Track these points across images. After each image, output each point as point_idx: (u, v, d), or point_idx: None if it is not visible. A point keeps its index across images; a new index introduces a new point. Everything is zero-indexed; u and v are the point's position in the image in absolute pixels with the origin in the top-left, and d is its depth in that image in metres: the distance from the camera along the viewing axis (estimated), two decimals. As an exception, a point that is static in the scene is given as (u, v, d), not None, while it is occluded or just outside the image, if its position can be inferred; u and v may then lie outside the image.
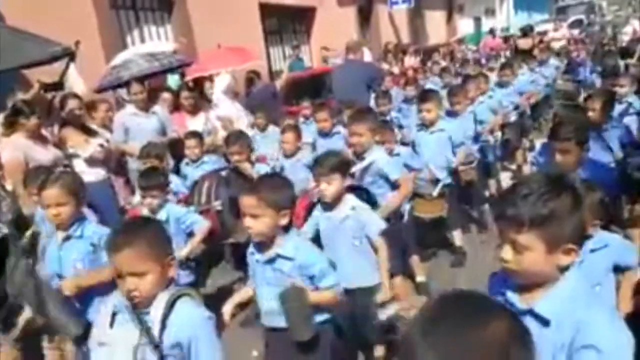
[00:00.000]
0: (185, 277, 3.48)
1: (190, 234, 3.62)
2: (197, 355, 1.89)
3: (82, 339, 2.68)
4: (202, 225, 3.62)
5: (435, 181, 4.52)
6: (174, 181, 4.52)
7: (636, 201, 2.99)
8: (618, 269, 2.42)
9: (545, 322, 1.46)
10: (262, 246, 2.44)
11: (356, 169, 3.66)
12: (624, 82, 4.71)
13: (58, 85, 5.57)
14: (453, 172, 4.77)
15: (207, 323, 1.94)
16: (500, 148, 6.28)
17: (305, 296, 2.36)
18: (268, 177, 2.67)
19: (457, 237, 4.93)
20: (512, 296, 1.54)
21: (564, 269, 1.47)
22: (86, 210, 3.34)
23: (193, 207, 3.99)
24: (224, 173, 4.38)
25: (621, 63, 7.87)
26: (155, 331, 1.84)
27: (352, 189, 3.17)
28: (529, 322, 1.46)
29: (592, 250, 2.30)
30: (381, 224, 3.10)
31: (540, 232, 1.42)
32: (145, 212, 3.54)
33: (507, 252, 1.47)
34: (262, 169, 4.33)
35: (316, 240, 3.06)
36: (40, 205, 3.14)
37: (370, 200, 3.25)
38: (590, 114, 3.88)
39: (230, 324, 4.09)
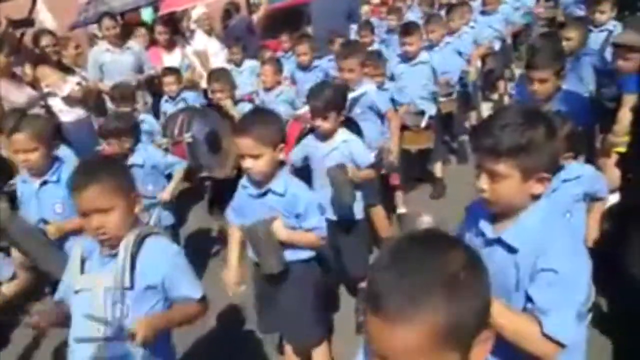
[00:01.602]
0: (166, 218, 3.51)
1: (169, 177, 3.62)
2: (173, 290, 1.91)
3: None
4: (180, 167, 3.63)
5: (421, 113, 4.54)
6: (148, 120, 4.49)
7: (608, 131, 3.05)
8: (588, 198, 2.51)
9: (512, 250, 1.54)
10: (259, 182, 2.45)
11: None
12: (604, 8, 4.62)
13: (27, 22, 5.38)
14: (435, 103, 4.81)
15: (178, 257, 1.96)
16: (482, 78, 6.27)
17: (270, 229, 2.39)
18: (258, 115, 2.60)
19: (437, 168, 5.01)
20: (484, 225, 1.62)
21: (535, 197, 1.54)
22: (66, 152, 3.33)
23: (165, 139, 3.96)
24: (199, 106, 4.33)
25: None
26: (126, 273, 1.83)
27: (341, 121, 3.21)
28: (497, 250, 1.57)
29: (564, 181, 2.37)
30: (370, 156, 3.17)
31: (516, 161, 1.48)
32: None
33: (484, 181, 1.54)
34: (246, 107, 4.27)
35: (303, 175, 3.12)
36: (10, 150, 3.09)
37: (358, 133, 3.29)
38: (565, 43, 3.86)
39: (211, 260, 4.22)
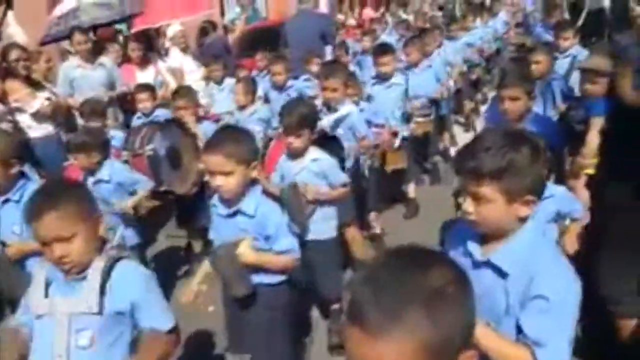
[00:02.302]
0: (131, 238, 3.41)
1: (133, 194, 3.54)
2: (141, 317, 1.82)
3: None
4: (146, 186, 3.55)
5: (394, 134, 4.57)
6: (118, 137, 4.40)
7: (577, 153, 3.11)
8: (559, 218, 2.53)
9: (502, 274, 1.51)
10: (227, 200, 2.39)
11: (329, 118, 3.73)
12: (568, 35, 4.81)
13: None
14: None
15: (148, 282, 1.87)
16: (452, 99, 6.38)
17: (234, 251, 2.33)
18: (229, 132, 2.56)
19: (411, 189, 5.04)
20: (472, 246, 1.59)
21: (522, 220, 1.52)
22: (29, 171, 3.23)
23: (126, 152, 3.90)
24: (162, 121, 4.29)
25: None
26: (94, 299, 1.74)
27: (323, 137, 3.19)
28: (486, 273, 1.54)
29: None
30: (343, 176, 3.16)
31: (499, 184, 1.47)
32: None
33: (469, 204, 1.53)
34: (209, 127, 4.23)
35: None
36: None
37: (339, 150, 3.31)
38: (534, 66, 3.97)
39: (180, 280, 4.14)
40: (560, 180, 2.93)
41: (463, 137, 6.59)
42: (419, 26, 8.34)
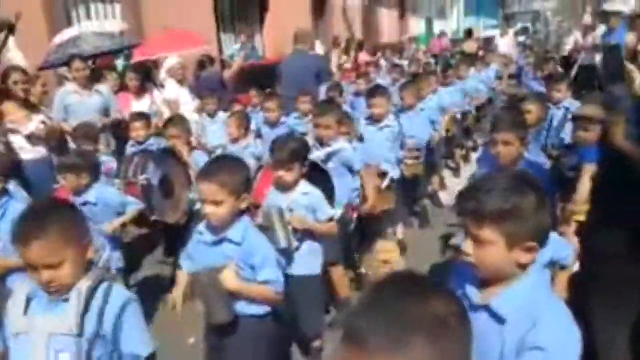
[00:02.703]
0: (116, 262, 3.40)
1: (120, 216, 3.54)
2: (122, 341, 1.78)
3: None
4: (135, 207, 3.56)
5: (383, 175, 4.58)
6: (109, 162, 4.42)
7: (569, 200, 3.13)
8: (552, 265, 2.51)
9: (500, 320, 1.46)
10: (215, 228, 2.39)
11: (321, 153, 3.77)
12: (561, 88, 4.91)
13: None
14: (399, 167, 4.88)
15: (131, 306, 1.83)
16: (444, 144, 6.44)
17: (217, 278, 2.30)
18: (225, 161, 2.55)
19: (399, 231, 5.02)
20: (470, 289, 1.54)
21: (523, 267, 1.47)
22: (17, 189, 3.21)
23: (119, 181, 3.90)
24: (155, 150, 4.29)
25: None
26: (75, 320, 1.71)
27: (313, 169, 3.19)
28: (482, 317, 1.48)
29: None
30: (331, 211, 3.15)
31: (500, 228, 1.43)
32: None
33: (469, 246, 1.49)
34: (200, 157, 4.22)
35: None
36: None
37: (328, 184, 3.30)
38: (526, 116, 4.03)
39: (163, 309, 4.07)
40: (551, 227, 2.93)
41: (453, 182, 6.66)
42: (413, 72, 8.52)
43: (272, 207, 2.88)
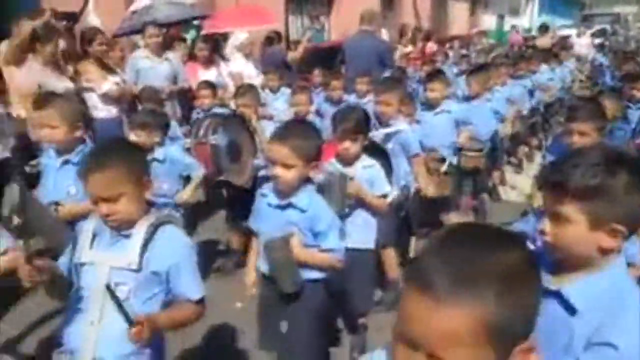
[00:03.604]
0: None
1: (187, 178, 3.62)
2: (175, 282, 1.85)
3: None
4: (198, 171, 3.63)
5: (442, 160, 4.49)
6: (173, 126, 4.49)
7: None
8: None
9: (571, 310, 1.34)
10: (279, 192, 2.39)
11: (380, 132, 3.71)
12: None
13: (70, 16, 5.49)
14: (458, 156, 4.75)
15: (189, 250, 1.90)
16: (509, 140, 6.24)
17: (289, 247, 2.31)
18: (300, 126, 2.55)
19: (453, 219, 4.90)
20: (543, 274, 1.37)
21: (606, 252, 1.34)
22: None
23: (185, 139, 3.99)
24: (225, 114, 4.38)
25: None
26: (135, 255, 1.79)
27: (372, 148, 3.15)
28: (551, 304, 1.35)
29: None
30: (387, 188, 3.10)
31: (583, 205, 1.31)
32: None
33: (546, 223, 1.38)
34: (268, 126, 4.27)
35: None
36: (35, 125, 3.12)
37: (387, 164, 3.25)
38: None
39: (215, 273, 4.16)
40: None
41: (513, 179, 6.45)
42: (480, 62, 8.27)
43: (336, 171, 2.85)
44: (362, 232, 3.05)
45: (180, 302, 1.88)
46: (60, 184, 2.84)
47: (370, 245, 3.11)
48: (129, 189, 1.79)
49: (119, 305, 1.72)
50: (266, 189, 2.48)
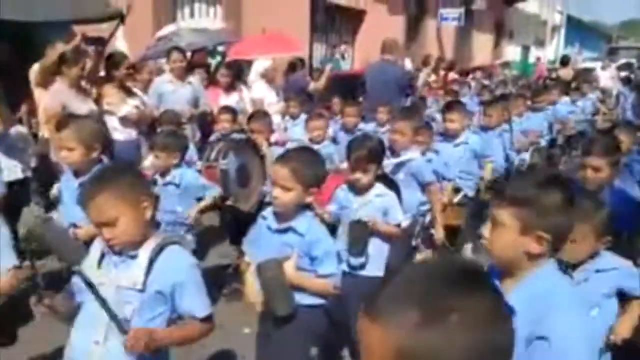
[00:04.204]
0: (189, 243, 3.45)
1: (199, 200, 3.67)
2: (180, 300, 1.87)
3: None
4: (214, 192, 3.68)
5: (456, 190, 4.48)
6: (190, 150, 4.54)
7: (655, 233, 2.92)
8: (622, 297, 2.35)
9: (511, 311, 1.43)
10: (280, 216, 2.43)
11: (390, 162, 3.71)
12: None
13: (99, 41, 5.68)
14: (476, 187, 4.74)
15: (193, 270, 1.93)
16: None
17: (281, 269, 2.32)
18: (304, 151, 2.60)
19: (468, 250, 4.87)
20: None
21: (532, 257, 1.51)
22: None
23: (200, 162, 4.08)
24: (237, 139, 4.43)
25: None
26: (140, 276, 1.83)
27: (383, 178, 3.18)
28: None
29: (598, 271, 2.25)
30: (401, 215, 3.11)
31: (516, 211, 1.50)
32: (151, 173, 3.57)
33: (487, 229, 1.58)
34: (278, 152, 4.32)
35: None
36: (55, 147, 3.21)
37: (396, 194, 3.24)
38: (618, 145, 3.82)
39: (223, 299, 4.16)
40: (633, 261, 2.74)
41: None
42: (500, 93, 8.29)
43: (352, 221, 2.93)
44: (375, 260, 3.04)
45: (185, 320, 1.91)
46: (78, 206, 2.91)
47: (381, 273, 3.10)
48: (125, 212, 1.82)
49: (112, 315, 1.76)
50: (267, 212, 2.53)
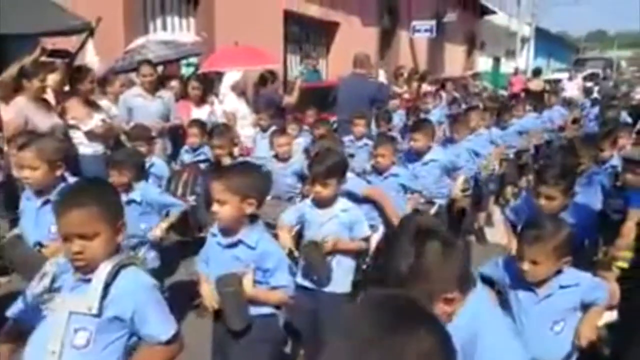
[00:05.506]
0: (152, 261, 3.42)
1: (166, 216, 3.59)
2: (141, 326, 1.79)
3: None
4: (178, 209, 3.60)
5: (430, 202, 4.53)
6: (159, 164, 4.53)
7: (611, 243, 3.01)
8: (586, 307, 2.40)
9: None
10: (226, 230, 2.44)
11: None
12: (624, 135, 4.76)
13: (63, 54, 5.61)
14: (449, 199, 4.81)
15: (152, 291, 1.85)
16: (496, 182, 6.31)
17: (240, 284, 2.35)
18: (239, 164, 2.67)
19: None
20: None
21: (451, 315, 1.48)
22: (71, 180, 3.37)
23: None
24: (203, 166, 4.42)
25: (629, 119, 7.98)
26: (95, 300, 1.73)
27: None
28: None
29: (562, 287, 2.31)
30: (367, 231, 3.13)
31: (418, 285, 1.42)
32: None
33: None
34: None
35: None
36: (16, 166, 3.15)
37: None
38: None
39: (193, 314, 4.12)
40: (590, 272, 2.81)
41: (500, 220, 6.46)
42: (469, 105, 8.43)
43: (308, 244, 2.97)
44: (339, 274, 3.04)
45: (147, 346, 1.82)
46: (42, 224, 2.83)
47: (347, 289, 3.10)
48: (105, 229, 1.78)
49: None
50: (215, 229, 2.52)
